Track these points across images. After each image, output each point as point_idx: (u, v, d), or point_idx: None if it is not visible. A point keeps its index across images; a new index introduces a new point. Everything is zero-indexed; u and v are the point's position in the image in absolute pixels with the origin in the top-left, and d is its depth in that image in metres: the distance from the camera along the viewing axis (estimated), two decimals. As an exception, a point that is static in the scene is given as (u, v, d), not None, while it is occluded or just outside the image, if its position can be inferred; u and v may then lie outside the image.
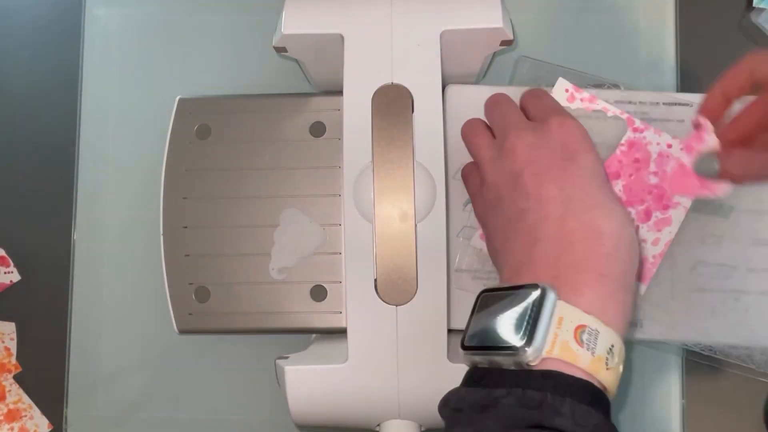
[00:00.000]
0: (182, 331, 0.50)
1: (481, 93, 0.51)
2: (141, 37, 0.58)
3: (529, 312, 0.36)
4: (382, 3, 0.47)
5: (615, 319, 0.37)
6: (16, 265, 0.56)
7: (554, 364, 0.35)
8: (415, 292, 0.44)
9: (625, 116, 0.49)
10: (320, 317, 0.50)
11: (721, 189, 0.46)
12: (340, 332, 0.48)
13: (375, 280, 0.44)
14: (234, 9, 0.58)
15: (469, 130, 0.48)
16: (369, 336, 0.44)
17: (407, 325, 0.44)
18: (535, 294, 0.36)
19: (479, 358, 0.38)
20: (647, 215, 0.48)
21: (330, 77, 0.50)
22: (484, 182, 0.45)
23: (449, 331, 0.45)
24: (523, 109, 0.48)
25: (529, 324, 0.35)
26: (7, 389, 0.55)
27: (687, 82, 0.56)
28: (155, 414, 0.55)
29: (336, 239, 0.50)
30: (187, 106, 0.52)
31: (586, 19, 0.57)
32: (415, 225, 0.45)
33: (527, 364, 0.35)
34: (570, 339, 0.35)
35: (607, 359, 0.36)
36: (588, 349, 0.35)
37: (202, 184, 0.51)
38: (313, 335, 0.53)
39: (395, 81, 0.46)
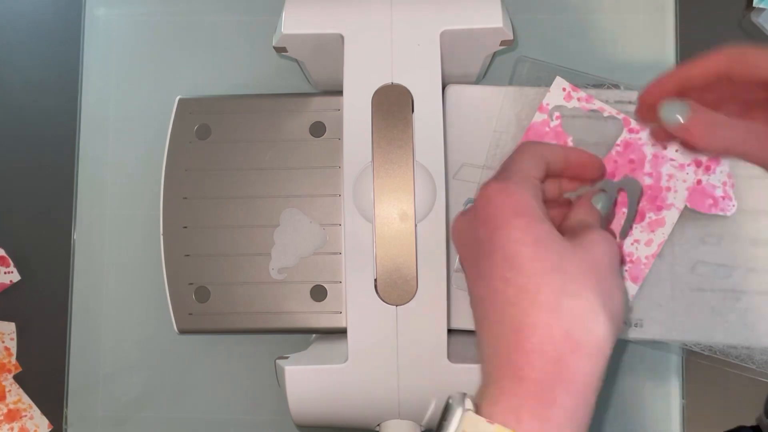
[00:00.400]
0: (182, 331, 0.50)
1: (481, 93, 0.51)
2: (141, 37, 0.58)
3: (438, 422, 0.33)
4: (382, 3, 0.47)
5: (538, 428, 0.32)
6: (16, 265, 0.56)
7: None
8: (415, 292, 0.44)
9: (621, 116, 0.49)
10: (320, 317, 0.50)
11: (731, 208, 0.48)
12: (340, 332, 0.49)
13: (375, 280, 0.44)
14: (234, 9, 0.58)
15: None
16: (369, 336, 0.44)
17: (407, 325, 0.44)
18: (441, 407, 0.34)
19: None
20: (641, 216, 0.48)
21: (330, 77, 0.50)
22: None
23: (449, 331, 0.45)
24: None
25: None
26: (7, 389, 0.55)
27: (687, 82, 0.56)
28: (155, 414, 0.55)
29: (336, 239, 0.50)
30: (187, 106, 0.52)
31: (586, 19, 0.57)
32: (415, 225, 0.45)
33: None
34: None
35: None
36: None
37: (202, 184, 0.51)
38: (313, 335, 0.53)
39: (395, 81, 0.46)
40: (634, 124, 0.48)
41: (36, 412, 0.55)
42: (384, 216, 0.45)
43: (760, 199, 0.50)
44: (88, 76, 0.58)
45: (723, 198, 0.49)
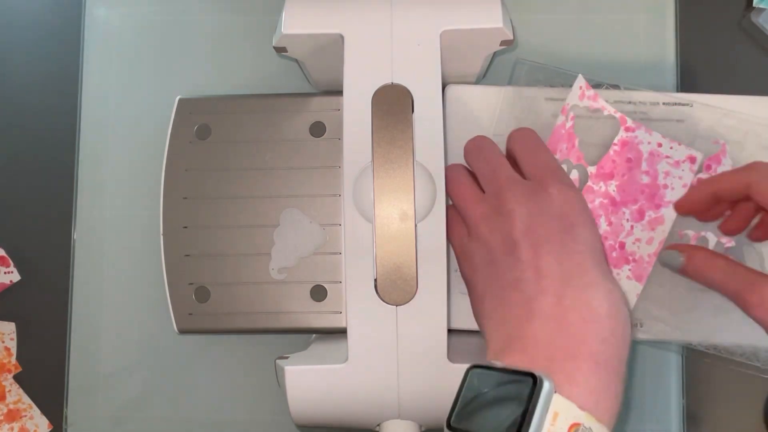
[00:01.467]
0: (182, 331, 0.50)
1: (481, 93, 0.51)
2: (141, 37, 0.58)
3: (524, 405, 0.33)
4: (382, 3, 0.47)
5: (607, 413, 0.35)
6: (16, 265, 0.56)
7: None
8: (415, 292, 0.44)
9: (618, 115, 0.49)
10: (320, 317, 0.50)
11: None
12: (340, 332, 0.49)
13: (375, 280, 0.44)
14: (234, 9, 0.58)
15: (452, 178, 0.46)
16: (369, 336, 0.44)
17: (407, 325, 0.44)
18: (530, 383, 0.34)
19: None
20: (641, 214, 0.48)
21: (330, 77, 0.50)
22: (474, 240, 0.44)
23: (449, 331, 0.45)
24: (509, 152, 0.46)
25: (523, 418, 0.33)
26: (7, 389, 0.55)
27: (687, 82, 0.56)
28: (155, 414, 0.55)
29: (336, 239, 0.50)
30: (187, 106, 0.52)
31: (586, 19, 0.57)
32: (415, 225, 0.45)
33: None
34: None
35: None
36: None
37: (202, 184, 0.51)
38: (313, 335, 0.53)
39: (395, 81, 0.46)
40: (630, 122, 0.49)
41: (36, 412, 0.55)
42: (384, 216, 0.45)
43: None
44: (88, 76, 0.58)
45: None
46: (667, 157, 0.48)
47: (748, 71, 0.57)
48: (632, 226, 0.48)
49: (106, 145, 0.57)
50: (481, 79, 0.54)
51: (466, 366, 0.44)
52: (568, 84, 0.50)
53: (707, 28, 0.57)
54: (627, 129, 0.49)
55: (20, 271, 0.56)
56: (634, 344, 0.54)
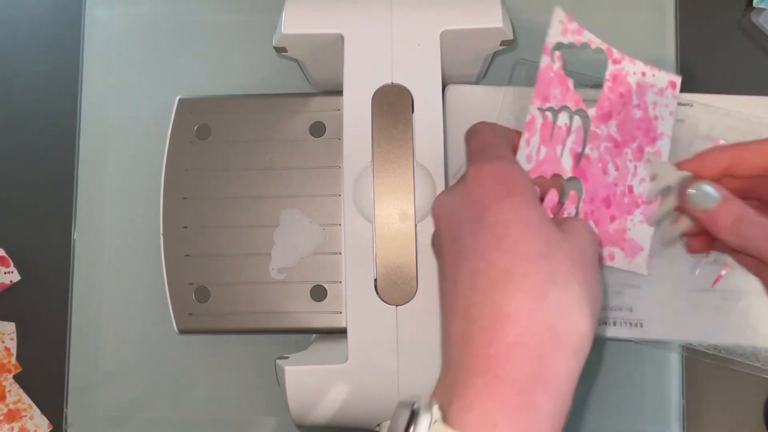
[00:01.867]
0: (182, 331, 0.50)
1: (481, 93, 0.51)
2: (141, 37, 0.58)
3: None
4: (382, 3, 0.47)
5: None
6: (16, 265, 0.56)
7: None
8: (415, 292, 0.44)
9: (605, 47, 0.46)
10: (320, 317, 0.50)
11: None
12: (340, 332, 0.49)
13: (375, 280, 0.44)
14: (234, 9, 0.58)
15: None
16: (369, 336, 0.44)
17: (407, 325, 0.44)
18: (405, 416, 0.29)
19: None
20: (640, 152, 0.46)
21: (330, 77, 0.50)
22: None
23: (449, 331, 0.45)
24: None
25: None
26: (7, 389, 0.55)
27: (687, 82, 0.55)
28: (155, 414, 0.55)
29: (336, 239, 0.50)
30: (187, 106, 0.52)
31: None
32: (415, 225, 0.45)
33: None
34: None
35: None
36: None
37: (202, 184, 0.51)
38: (313, 335, 0.53)
39: (395, 81, 0.46)
40: (616, 54, 0.46)
41: (36, 412, 0.55)
42: (384, 216, 0.45)
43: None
44: (88, 76, 0.58)
45: None
46: (652, 86, 0.47)
47: (748, 71, 0.57)
48: (635, 167, 0.46)
49: (106, 145, 0.57)
50: (481, 79, 0.54)
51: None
52: (579, 82, 0.50)
53: (707, 28, 0.57)
54: (614, 61, 0.46)
55: (20, 271, 0.56)
56: (635, 345, 0.54)
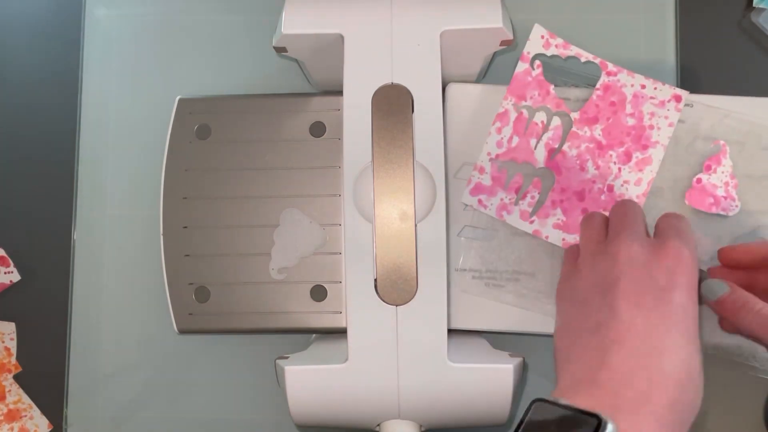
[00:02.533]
0: (182, 331, 0.50)
1: (482, 92, 0.51)
2: (141, 37, 0.58)
3: None
4: (382, 3, 0.47)
5: None
6: (16, 265, 0.56)
7: None
8: (415, 292, 0.44)
9: (598, 60, 0.50)
10: (320, 317, 0.50)
11: (733, 208, 0.49)
12: (340, 332, 0.49)
13: (375, 280, 0.44)
14: (234, 9, 0.58)
15: (585, 220, 0.47)
16: (369, 336, 0.44)
17: (407, 325, 0.44)
18: (594, 424, 0.34)
19: None
20: (628, 157, 0.49)
21: (330, 77, 0.50)
22: (576, 273, 0.44)
23: (449, 331, 0.45)
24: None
25: None
26: (7, 389, 0.55)
27: (687, 82, 0.56)
28: (155, 414, 0.55)
29: (336, 239, 0.50)
30: (187, 106, 0.52)
31: (586, 19, 0.57)
32: (415, 225, 0.45)
33: None
34: None
35: None
36: None
37: (202, 184, 0.51)
38: (313, 335, 0.53)
39: (395, 81, 0.46)
40: (611, 67, 0.50)
41: (36, 412, 0.55)
42: (384, 216, 0.45)
43: (762, 198, 0.50)
44: (88, 76, 0.58)
45: (725, 198, 0.49)
46: (652, 98, 0.49)
47: (748, 71, 0.57)
48: (620, 169, 0.49)
49: (106, 145, 0.57)
50: (482, 78, 0.54)
51: (466, 366, 0.44)
52: (570, 83, 0.50)
53: (707, 28, 0.57)
54: (609, 73, 0.50)
55: (20, 271, 0.56)
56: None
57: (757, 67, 0.57)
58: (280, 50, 0.48)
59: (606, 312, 0.40)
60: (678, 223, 0.44)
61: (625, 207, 0.45)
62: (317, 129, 0.51)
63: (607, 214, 0.47)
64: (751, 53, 0.57)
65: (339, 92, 0.47)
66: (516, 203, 0.49)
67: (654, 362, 0.38)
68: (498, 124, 0.50)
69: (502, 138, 0.50)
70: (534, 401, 0.37)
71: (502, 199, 0.49)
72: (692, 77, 0.56)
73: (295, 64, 0.52)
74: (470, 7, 0.46)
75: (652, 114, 0.49)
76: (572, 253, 0.46)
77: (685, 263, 0.41)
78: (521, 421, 0.37)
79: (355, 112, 0.46)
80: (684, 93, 0.49)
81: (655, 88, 0.49)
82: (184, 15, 0.58)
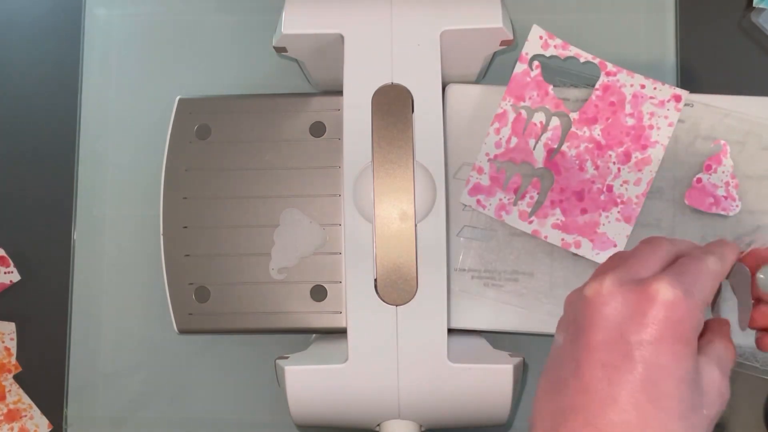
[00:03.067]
0: (182, 331, 0.50)
1: (481, 93, 0.51)
2: (141, 37, 0.58)
3: None
4: (382, 3, 0.47)
5: None
6: (16, 265, 0.56)
7: None
8: (415, 292, 0.44)
9: (597, 61, 0.50)
10: (320, 317, 0.50)
11: (734, 208, 0.49)
12: (340, 332, 0.49)
13: (375, 280, 0.44)
14: (234, 9, 0.58)
15: (650, 240, 0.37)
16: (369, 336, 0.44)
17: (407, 325, 0.44)
18: None
19: None
20: (627, 157, 0.49)
21: (330, 77, 0.50)
22: (565, 308, 0.37)
23: (449, 331, 0.45)
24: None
25: None
26: (7, 389, 0.55)
27: (687, 82, 0.56)
28: (155, 414, 0.55)
29: (336, 239, 0.50)
30: (187, 106, 0.52)
31: (586, 19, 0.57)
32: (415, 225, 0.45)
33: None
34: None
35: None
36: None
37: (202, 184, 0.51)
38: (313, 335, 0.53)
39: (395, 81, 0.46)
40: (610, 67, 0.50)
41: (36, 412, 0.55)
42: (384, 216, 0.45)
43: (761, 198, 0.50)
44: (88, 76, 0.58)
45: (725, 198, 0.49)
46: (651, 97, 0.49)
47: (748, 71, 0.57)
48: (619, 169, 0.49)
49: (106, 145, 0.57)
50: (482, 78, 0.54)
51: (466, 366, 0.44)
52: (569, 83, 0.50)
53: (707, 28, 0.57)
54: (608, 73, 0.50)
55: (20, 271, 0.56)
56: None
57: (757, 67, 0.57)
58: (280, 50, 0.48)
59: (570, 368, 0.33)
60: (694, 260, 0.35)
61: (640, 244, 0.37)
62: (317, 129, 0.51)
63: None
64: (751, 53, 0.57)
65: (339, 92, 0.47)
66: (515, 203, 0.49)
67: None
68: (496, 125, 0.50)
69: (500, 138, 0.50)
70: None
71: (500, 200, 0.49)
72: (692, 77, 0.56)
73: (295, 64, 0.52)
74: (470, 7, 0.46)
75: (652, 114, 0.49)
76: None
77: (671, 312, 0.32)
78: None
79: (355, 112, 0.46)
80: (684, 93, 0.49)
81: (655, 88, 0.49)
82: (184, 15, 0.58)
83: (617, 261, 0.35)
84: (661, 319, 0.32)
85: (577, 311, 0.34)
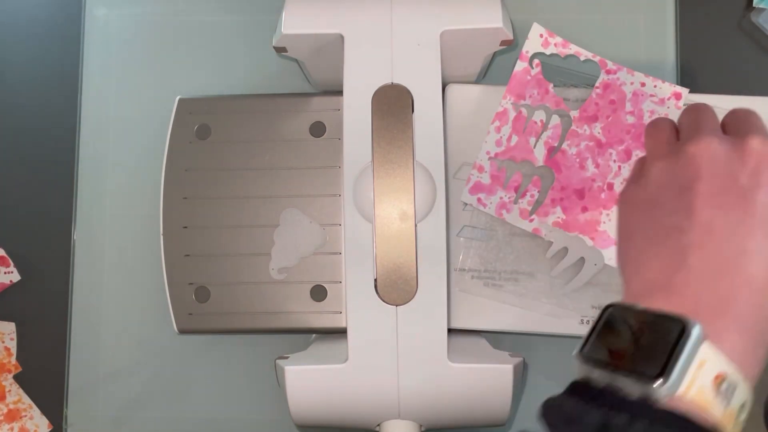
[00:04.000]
0: (182, 331, 0.50)
1: (482, 92, 0.51)
2: (141, 37, 0.58)
3: (670, 345, 0.32)
4: (382, 3, 0.47)
5: (751, 375, 0.34)
6: (16, 265, 0.56)
7: (685, 406, 0.32)
8: (415, 292, 0.44)
9: (597, 59, 0.50)
10: (320, 317, 0.50)
11: None
12: (340, 332, 0.49)
13: (375, 280, 0.44)
14: (234, 9, 0.58)
15: (652, 126, 0.43)
16: (369, 336, 0.44)
17: (407, 325, 0.44)
18: (678, 326, 0.32)
19: (598, 375, 0.33)
20: (628, 155, 0.49)
21: (330, 77, 0.50)
22: (645, 176, 0.40)
23: (449, 331, 0.45)
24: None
25: (669, 358, 0.32)
26: (7, 389, 0.55)
27: (687, 82, 0.56)
28: (155, 414, 0.55)
29: (336, 239, 0.50)
30: (187, 106, 0.52)
31: (586, 19, 0.57)
32: (415, 225, 0.45)
33: (654, 399, 0.31)
34: (708, 385, 0.32)
35: (738, 415, 0.33)
36: (724, 400, 0.32)
37: (202, 184, 0.51)
38: (313, 335, 0.53)
39: (395, 81, 0.46)
40: (611, 65, 0.50)
41: (36, 412, 0.55)
42: (384, 216, 0.45)
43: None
44: (88, 76, 0.58)
45: None
46: (652, 95, 0.49)
47: (748, 71, 0.57)
48: (620, 167, 0.49)
49: (106, 145, 0.57)
50: (482, 78, 0.54)
51: (466, 366, 0.44)
52: (571, 83, 0.50)
53: (707, 28, 0.57)
54: (608, 71, 0.50)
55: (20, 271, 0.56)
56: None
57: (757, 67, 0.57)
58: (280, 50, 0.48)
59: (682, 214, 0.37)
60: (753, 119, 0.40)
61: (697, 108, 0.42)
62: (317, 129, 0.51)
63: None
64: (751, 53, 0.57)
65: (339, 92, 0.47)
66: (515, 202, 0.49)
67: (736, 265, 0.35)
68: (497, 123, 0.50)
69: (501, 137, 0.50)
70: (607, 307, 0.35)
71: (501, 198, 0.49)
72: (692, 77, 0.56)
73: (295, 64, 0.52)
74: (470, 7, 0.46)
75: (652, 112, 0.49)
76: (639, 161, 0.43)
77: (763, 158, 0.37)
78: (593, 328, 0.35)
79: (355, 112, 0.46)
80: (684, 90, 0.49)
81: (655, 86, 0.49)
82: (184, 15, 0.58)
83: (691, 121, 0.41)
84: (765, 168, 0.37)
85: (680, 169, 0.38)
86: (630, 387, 0.32)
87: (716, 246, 0.35)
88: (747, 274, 0.35)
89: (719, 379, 0.32)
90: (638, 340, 0.33)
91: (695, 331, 0.32)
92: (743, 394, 0.33)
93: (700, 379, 0.32)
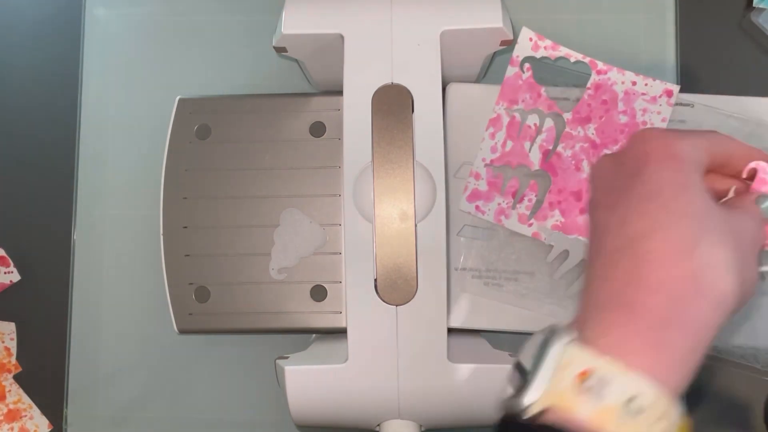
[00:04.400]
0: (182, 331, 0.50)
1: (482, 92, 0.51)
2: (141, 37, 0.58)
3: (533, 357, 0.32)
4: (382, 3, 0.47)
5: (652, 364, 0.31)
6: (16, 265, 0.56)
7: (554, 414, 0.31)
8: (415, 292, 0.44)
9: (587, 60, 0.50)
10: (320, 317, 0.50)
11: None
12: (340, 332, 0.49)
13: (375, 280, 0.44)
14: (234, 9, 0.58)
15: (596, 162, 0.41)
16: (369, 336, 0.44)
17: (407, 325, 0.44)
18: (542, 336, 0.32)
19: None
20: None
21: (330, 77, 0.50)
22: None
23: (449, 330, 0.45)
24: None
25: (531, 371, 0.31)
26: (7, 389, 0.55)
27: (687, 82, 0.56)
28: (155, 414, 0.55)
29: (336, 239, 0.50)
30: (187, 106, 0.52)
31: (586, 19, 0.57)
32: (415, 225, 0.45)
33: (519, 412, 0.31)
34: (569, 386, 0.30)
35: (624, 410, 0.30)
36: (593, 398, 0.30)
37: (202, 184, 0.51)
38: (313, 335, 0.53)
39: (395, 81, 0.46)
40: (601, 65, 0.50)
41: (36, 412, 0.55)
42: (384, 216, 0.45)
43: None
44: (88, 76, 0.58)
45: None
46: (644, 94, 0.49)
47: (748, 71, 0.57)
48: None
49: (106, 145, 0.57)
50: (482, 78, 0.54)
51: (466, 366, 0.44)
52: (571, 83, 0.50)
53: (707, 28, 0.57)
54: (599, 72, 0.50)
55: (20, 271, 0.56)
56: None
57: (757, 66, 0.57)
58: (280, 50, 0.48)
59: (588, 231, 0.36)
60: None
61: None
62: (317, 129, 0.51)
63: None
64: (751, 53, 0.57)
65: (339, 92, 0.47)
66: (513, 207, 0.49)
67: (630, 249, 0.32)
68: (491, 129, 0.50)
69: (495, 143, 0.50)
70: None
71: (499, 204, 0.49)
72: (692, 77, 0.56)
73: (295, 64, 0.52)
74: (470, 7, 0.46)
75: (645, 110, 0.49)
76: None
77: (648, 140, 0.34)
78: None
79: (355, 112, 0.46)
80: (675, 87, 0.49)
81: (646, 84, 0.49)
82: (184, 15, 0.58)
83: None
84: (654, 148, 0.34)
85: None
86: (511, 409, 0.32)
87: (611, 244, 0.33)
88: (641, 255, 0.32)
89: (584, 376, 0.30)
90: (520, 360, 0.33)
91: (556, 336, 0.31)
92: (627, 385, 0.30)
93: (563, 381, 0.31)
